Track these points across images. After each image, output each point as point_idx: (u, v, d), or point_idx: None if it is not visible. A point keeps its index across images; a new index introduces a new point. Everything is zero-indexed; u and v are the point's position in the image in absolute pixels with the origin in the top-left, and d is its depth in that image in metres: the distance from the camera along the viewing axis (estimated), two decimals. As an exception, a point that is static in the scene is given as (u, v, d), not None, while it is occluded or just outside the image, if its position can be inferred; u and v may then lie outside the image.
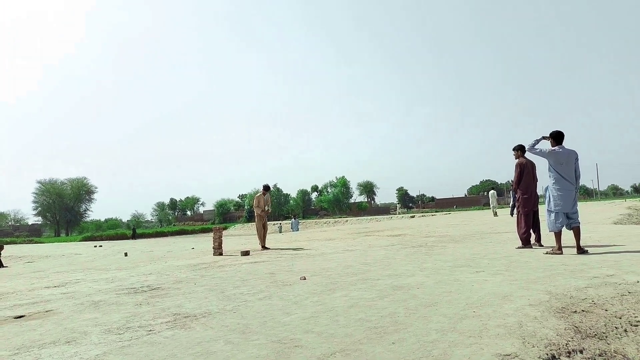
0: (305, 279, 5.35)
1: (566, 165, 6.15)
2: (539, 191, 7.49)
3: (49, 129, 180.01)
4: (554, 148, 6.29)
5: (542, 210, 6.92)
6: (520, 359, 2.21)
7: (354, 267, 6.07)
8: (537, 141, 6.47)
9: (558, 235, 6.20)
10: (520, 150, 7.34)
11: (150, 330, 3.29)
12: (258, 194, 11.26)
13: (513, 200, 21.99)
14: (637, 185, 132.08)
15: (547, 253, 6.26)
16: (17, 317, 4.24)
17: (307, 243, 12.20)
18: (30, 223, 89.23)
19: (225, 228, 60.35)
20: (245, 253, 9.35)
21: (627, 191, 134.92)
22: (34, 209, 79.06)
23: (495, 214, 23.46)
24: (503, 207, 43.55)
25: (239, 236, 14.42)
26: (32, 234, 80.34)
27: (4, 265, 11.89)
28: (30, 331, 3.55)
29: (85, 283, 6.50)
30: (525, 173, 7.29)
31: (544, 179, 6.65)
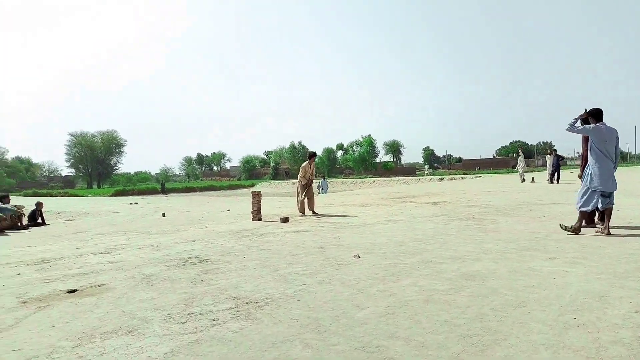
0: (359, 257, 5.08)
1: (609, 142, 5.96)
2: None
3: (78, 82, 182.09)
4: (597, 125, 6.05)
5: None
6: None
7: (407, 245, 5.77)
8: (577, 119, 6.23)
9: (584, 214, 6.15)
10: (593, 116, 6.45)
11: (215, 320, 3.09)
12: (304, 163, 10.91)
13: (554, 168, 21.07)
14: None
15: (565, 228, 6.23)
16: (70, 292, 4.13)
17: (343, 209, 11.96)
18: (63, 174, 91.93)
19: (252, 185, 60.94)
20: (285, 220, 9.17)
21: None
22: (66, 161, 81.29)
23: (523, 179, 22.20)
24: (532, 171, 42.27)
25: (272, 197, 14.25)
26: (65, 185, 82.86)
27: (47, 223, 12.09)
28: (88, 313, 3.40)
29: (131, 250, 6.42)
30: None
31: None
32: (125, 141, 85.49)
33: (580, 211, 6.19)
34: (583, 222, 6.30)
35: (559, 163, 21.13)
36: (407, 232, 6.96)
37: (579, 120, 6.25)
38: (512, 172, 46.77)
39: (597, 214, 6.63)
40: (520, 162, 22.98)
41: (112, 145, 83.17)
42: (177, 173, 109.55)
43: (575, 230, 6.07)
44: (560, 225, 6.31)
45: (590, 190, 6.06)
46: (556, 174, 20.60)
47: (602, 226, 6.16)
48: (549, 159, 21.66)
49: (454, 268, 4.33)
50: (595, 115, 6.13)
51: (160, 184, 56.68)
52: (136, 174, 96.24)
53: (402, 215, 9.36)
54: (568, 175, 28.48)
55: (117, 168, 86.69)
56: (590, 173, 6.10)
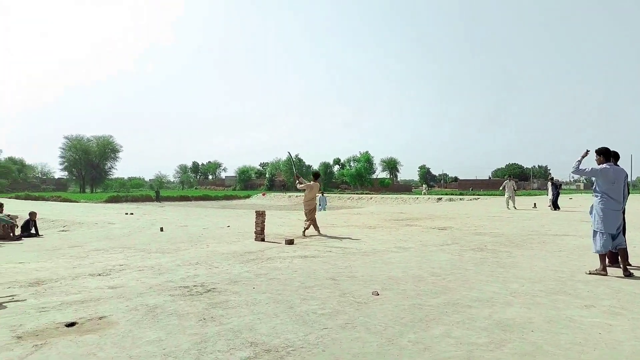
0: (378, 294, 4.76)
1: (617, 184, 5.74)
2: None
3: (76, 86, 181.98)
4: (603, 166, 5.83)
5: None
6: None
7: (427, 281, 5.45)
8: (580, 161, 5.94)
9: (602, 257, 5.84)
10: (602, 154, 6.22)
11: (234, 375, 2.75)
12: (311, 182, 10.75)
13: (554, 194, 20.86)
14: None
15: (589, 273, 5.86)
16: (69, 325, 3.77)
17: (347, 230, 11.64)
18: (56, 177, 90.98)
19: (248, 196, 60.47)
20: (290, 242, 8.84)
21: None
22: (60, 164, 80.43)
23: (510, 207, 20.89)
24: (528, 195, 42.13)
25: (269, 210, 13.84)
26: (58, 187, 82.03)
27: (40, 233, 11.65)
28: (90, 357, 3.05)
29: (131, 272, 6.05)
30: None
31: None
32: (121, 147, 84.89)
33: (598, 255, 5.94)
34: (607, 262, 6.02)
35: (558, 190, 21.02)
36: (421, 263, 6.64)
37: (583, 161, 5.98)
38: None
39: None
40: (508, 189, 21.51)
41: (107, 150, 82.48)
42: (172, 180, 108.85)
43: (601, 272, 5.79)
44: (585, 272, 5.97)
45: (597, 232, 5.84)
46: (555, 201, 20.49)
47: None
48: (550, 186, 21.42)
49: (485, 314, 4.01)
50: (604, 154, 5.90)
51: (155, 192, 56.13)
52: (130, 179, 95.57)
53: (411, 242, 9.05)
54: (567, 201, 28.40)
55: (111, 173, 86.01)
56: (595, 215, 5.91)
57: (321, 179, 78.47)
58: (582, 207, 21.71)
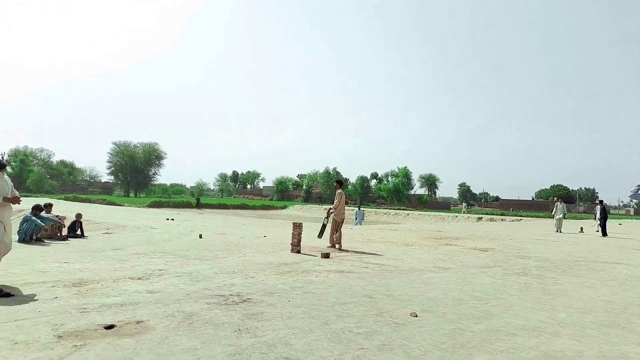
0: (416, 315, 4.60)
1: None
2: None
3: (127, 96, 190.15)
4: None
5: None
6: None
7: (467, 304, 5.23)
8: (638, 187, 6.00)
9: None
10: None
11: (267, 391, 2.69)
12: (340, 191, 10.68)
13: (602, 219, 19.78)
14: None
15: None
16: (108, 327, 3.83)
17: (384, 246, 11.44)
18: (103, 180, 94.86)
19: (284, 207, 60.92)
20: (326, 255, 8.75)
21: None
22: (107, 168, 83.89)
23: (559, 230, 20.42)
24: (574, 218, 40.23)
25: (305, 221, 13.74)
26: (104, 190, 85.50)
27: (85, 235, 12.08)
28: (127, 361, 3.07)
29: (170, 278, 6.13)
30: None
31: None
32: (165, 154, 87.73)
33: None
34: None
35: (606, 214, 19.93)
36: (462, 285, 6.40)
37: None
38: (552, 217, 44.86)
39: None
40: (558, 211, 21.14)
41: (152, 157, 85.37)
42: (212, 188, 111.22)
43: None
44: None
45: None
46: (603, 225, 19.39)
47: None
48: (597, 210, 20.46)
49: (531, 344, 3.79)
50: None
51: (195, 199, 57.43)
52: (172, 185, 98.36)
53: (450, 262, 8.78)
54: (617, 227, 26.96)
55: (155, 179, 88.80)
56: None
57: (359, 193, 78.43)
58: (633, 233, 20.56)
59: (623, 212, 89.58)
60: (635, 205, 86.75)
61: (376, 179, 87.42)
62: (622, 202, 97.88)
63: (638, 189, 5.76)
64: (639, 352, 3.74)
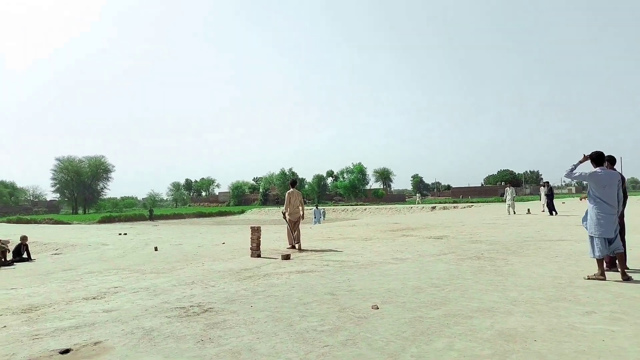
0: (377, 308, 4.71)
1: (608, 188, 5.78)
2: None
3: (68, 107, 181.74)
4: (595, 170, 5.92)
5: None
6: None
7: (426, 292, 5.41)
8: (575, 165, 6.08)
9: (600, 262, 5.83)
10: (593, 159, 6.06)
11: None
12: (288, 191, 10.72)
13: (549, 199, 20.98)
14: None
15: (588, 278, 5.85)
16: (63, 352, 3.68)
17: (343, 243, 11.58)
18: (48, 199, 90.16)
19: (242, 211, 60.22)
20: (286, 257, 8.76)
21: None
22: (52, 186, 79.89)
23: (512, 212, 22.08)
24: (521, 200, 42.25)
25: (264, 225, 13.56)
26: (50, 210, 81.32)
27: (32, 257, 11.48)
28: (86, 385, 2.96)
29: (126, 294, 5.95)
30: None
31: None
32: (113, 167, 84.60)
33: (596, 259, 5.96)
34: (605, 266, 6.01)
35: (552, 193, 21.18)
36: (420, 274, 6.60)
37: (581, 164, 6.09)
38: (502, 202, 46.83)
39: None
40: (509, 195, 22.76)
41: (99, 170, 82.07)
42: (165, 198, 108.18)
43: (600, 277, 5.77)
44: (584, 278, 5.94)
45: (594, 237, 5.85)
46: (551, 205, 20.56)
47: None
48: (542, 191, 21.87)
49: (487, 325, 3.97)
50: (595, 159, 5.99)
51: (148, 210, 55.74)
52: (122, 199, 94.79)
53: (408, 253, 9.01)
54: (560, 205, 28.53)
55: (104, 193, 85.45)
56: (589, 219, 5.96)
57: (316, 192, 78.71)
58: (575, 210, 21.84)
59: (565, 191, 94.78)
60: (576, 184, 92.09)
61: (332, 177, 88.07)
62: (564, 181, 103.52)
63: (573, 168, 6.10)
64: (584, 321, 4.00)
